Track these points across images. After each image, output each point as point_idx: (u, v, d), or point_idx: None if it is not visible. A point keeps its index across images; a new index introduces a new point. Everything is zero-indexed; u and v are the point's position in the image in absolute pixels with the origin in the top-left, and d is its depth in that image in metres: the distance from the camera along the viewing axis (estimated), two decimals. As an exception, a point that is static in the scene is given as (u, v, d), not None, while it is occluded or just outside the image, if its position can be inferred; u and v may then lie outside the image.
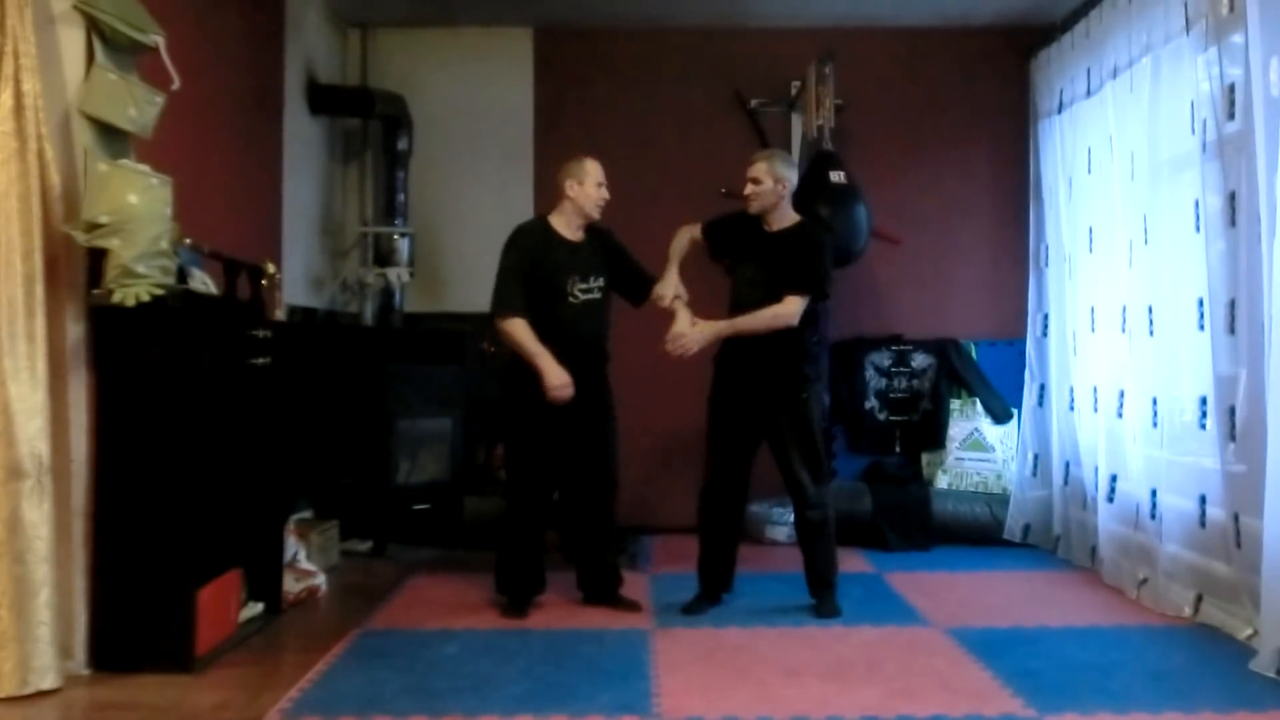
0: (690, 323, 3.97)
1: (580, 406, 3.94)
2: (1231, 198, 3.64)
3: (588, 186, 4.00)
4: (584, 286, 4.01)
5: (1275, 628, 3.24)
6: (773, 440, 4.03)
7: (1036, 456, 5.36)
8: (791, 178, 4.04)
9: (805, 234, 4.04)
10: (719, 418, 4.06)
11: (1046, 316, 5.37)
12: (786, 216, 4.05)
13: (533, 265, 3.95)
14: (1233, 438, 3.64)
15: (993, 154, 5.85)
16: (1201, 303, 3.82)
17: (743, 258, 4.09)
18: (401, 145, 5.71)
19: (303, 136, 5.35)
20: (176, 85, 3.49)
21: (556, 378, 3.85)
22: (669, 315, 4.02)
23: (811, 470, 3.99)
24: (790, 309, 3.90)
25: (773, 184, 3.97)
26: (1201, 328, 3.83)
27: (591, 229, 4.09)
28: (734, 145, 5.76)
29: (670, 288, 4.05)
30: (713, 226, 4.16)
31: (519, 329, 3.90)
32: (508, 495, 4.08)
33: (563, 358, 3.88)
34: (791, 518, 4.95)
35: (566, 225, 4.04)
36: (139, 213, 3.18)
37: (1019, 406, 5.53)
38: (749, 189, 4.01)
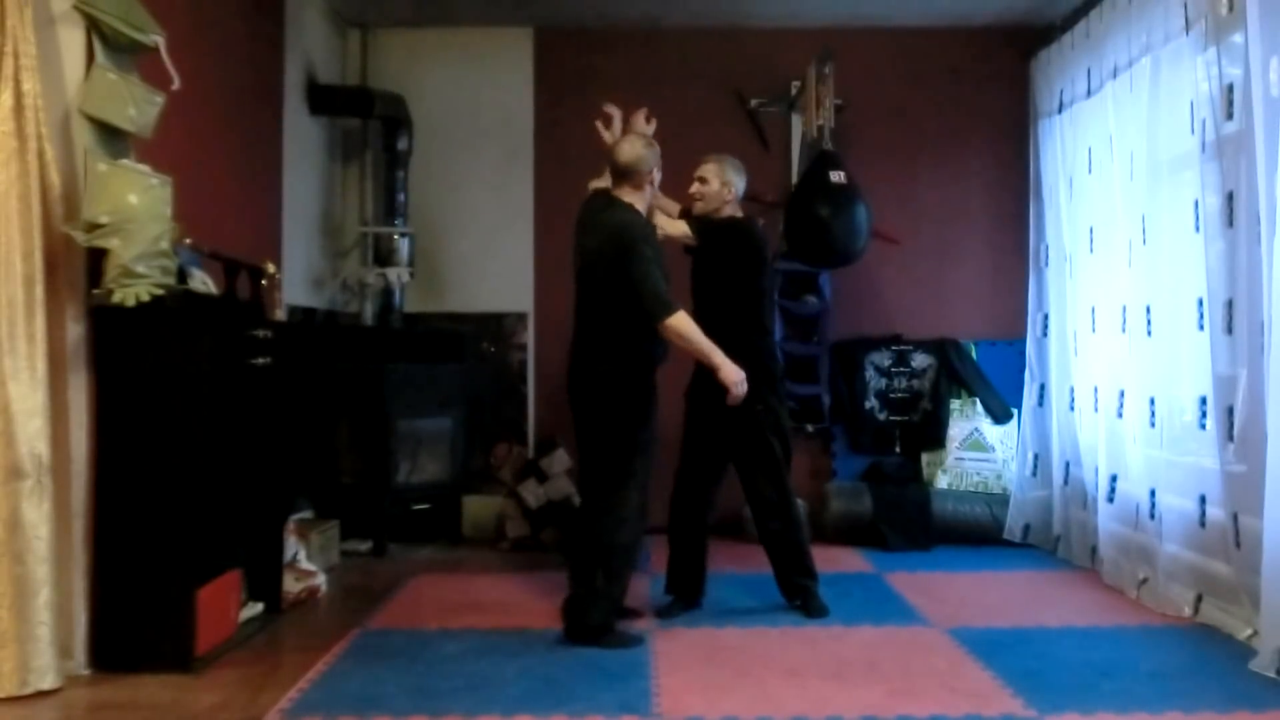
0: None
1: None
2: (1230, 198, 3.64)
3: (657, 174, 3.78)
4: None
5: (1275, 628, 3.24)
6: (735, 457, 4.05)
7: (1036, 456, 5.36)
8: (739, 184, 4.08)
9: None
10: (690, 433, 4.09)
11: (1046, 316, 5.37)
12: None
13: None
14: (1231, 438, 3.64)
15: (993, 154, 5.85)
16: (1201, 303, 3.82)
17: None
18: (401, 145, 5.71)
19: (303, 136, 5.35)
20: (176, 85, 3.49)
21: (735, 373, 3.59)
22: None
23: (774, 483, 4.00)
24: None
25: (719, 186, 4.03)
26: (1201, 328, 3.83)
27: None
28: (734, 145, 5.74)
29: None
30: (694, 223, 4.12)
31: (687, 322, 3.54)
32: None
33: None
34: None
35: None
36: (139, 213, 3.18)
37: (1019, 406, 5.53)
38: (695, 188, 4.06)
